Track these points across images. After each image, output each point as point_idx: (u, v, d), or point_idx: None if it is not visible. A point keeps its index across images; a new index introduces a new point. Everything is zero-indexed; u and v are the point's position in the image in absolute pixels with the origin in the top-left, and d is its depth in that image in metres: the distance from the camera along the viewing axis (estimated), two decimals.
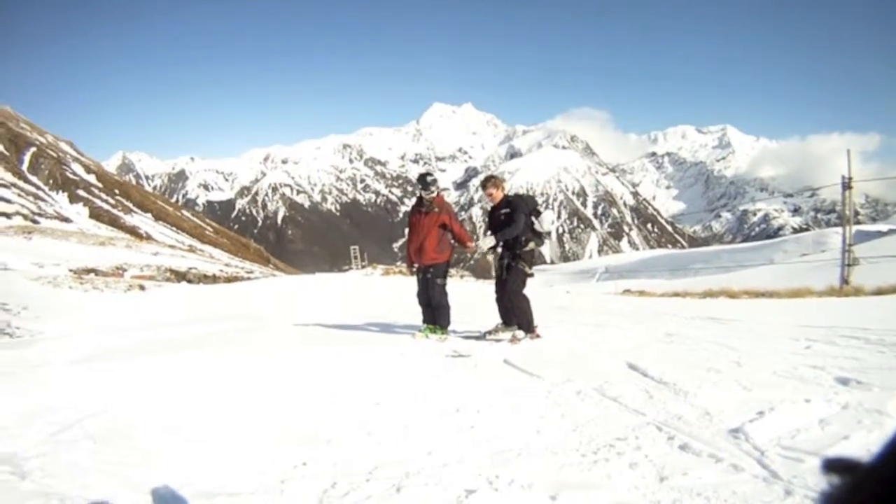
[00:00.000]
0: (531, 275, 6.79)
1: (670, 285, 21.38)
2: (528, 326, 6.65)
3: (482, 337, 7.00)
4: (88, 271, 24.26)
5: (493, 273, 7.25)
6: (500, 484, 2.47)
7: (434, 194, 7.10)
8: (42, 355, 6.38)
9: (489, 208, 7.20)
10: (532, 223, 6.68)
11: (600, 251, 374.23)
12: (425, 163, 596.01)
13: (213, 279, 32.31)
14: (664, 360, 4.67)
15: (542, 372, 4.53)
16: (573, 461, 2.72)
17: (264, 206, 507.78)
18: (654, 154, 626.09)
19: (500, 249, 6.86)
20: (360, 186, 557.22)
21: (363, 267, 37.13)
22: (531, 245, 6.70)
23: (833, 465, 0.62)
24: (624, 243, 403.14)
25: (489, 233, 6.92)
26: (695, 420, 3.16)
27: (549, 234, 6.94)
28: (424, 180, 7.16)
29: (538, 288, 22.74)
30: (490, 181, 6.99)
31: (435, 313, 7.15)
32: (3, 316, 16.88)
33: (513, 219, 6.60)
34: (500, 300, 7.00)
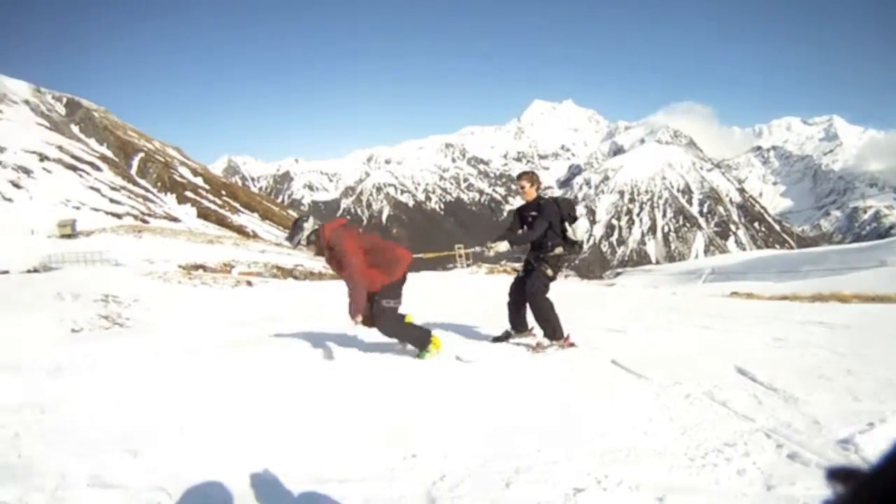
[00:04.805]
0: (553, 278, 6.17)
1: (778, 288, 20.34)
2: (553, 333, 5.99)
3: (494, 341, 6.51)
4: (197, 267, 25.80)
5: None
6: (608, 484, 2.49)
7: (306, 244, 5.66)
8: (156, 344, 6.80)
9: (519, 205, 6.48)
10: (564, 229, 6.14)
11: (706, 251, 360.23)
12: (528, 161, 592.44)
13: (319, 276, 33.42)
14: (773, 366, 4.49)
15: (651, 373, 4.45)
16: (681, 464, 2.70)
17: (369, 206, 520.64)
18: (759, 148, 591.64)
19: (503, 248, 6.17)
20: (463, 185, 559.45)
21: (468, 266, 37.14)
22: (558, 250, 6.14)
23: (836, 474, 0.63)
24: (731, 243, 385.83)
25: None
26: (804, 428, 3.05)
27: (581, 244, 6.26)
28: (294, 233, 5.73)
29: (644, 290, 22.07)
30: (525, 175, 6.27)
31: (409, 342, 5.93)
32: (114, 307, 18.30)
33: (533, 224, 6.05)
34: (511, 304, 6.45)
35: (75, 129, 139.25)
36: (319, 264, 43.16)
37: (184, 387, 4.47)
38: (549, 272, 6.03)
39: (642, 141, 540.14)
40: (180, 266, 25.56)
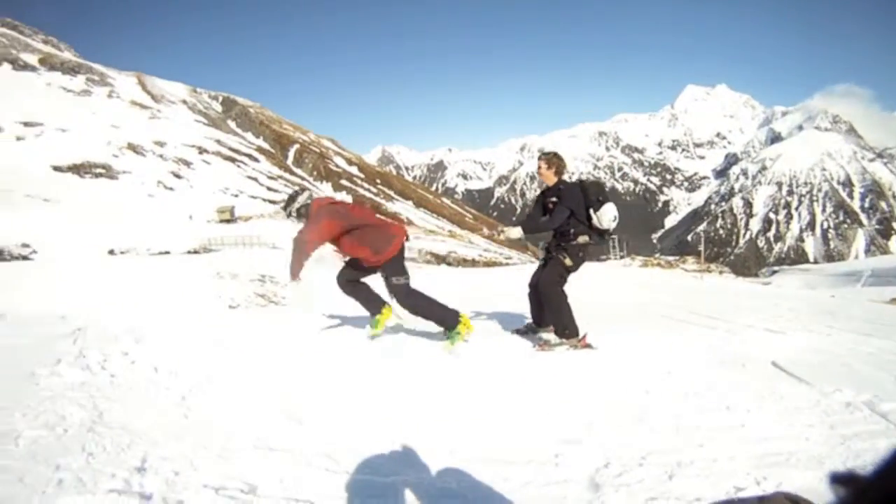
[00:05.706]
0: (573, 269, 5.59)
1: None
2: (563, 330, 5.43)
3: (514, 333, 6.14)
4: None
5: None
6: (767, 486, 2.54)
7: (297, 216, 5.69)
8: (313, 323, 7.00)
9: (541, 190, 5.93)
10: (589, 216, 5.51)
11: (867, 251, 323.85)
12: (683, 149, 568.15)
13: (472, 263, 33.86)
14: None
15: (812, 378, 4.29)
16: None
17: (522, 195, 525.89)
18: None
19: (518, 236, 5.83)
20: (617, 175, 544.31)
21: (621, 257, 36.03)
22: (582, 239, 5.51)
23: (838, 479, 0.66)
24: (893, 242, 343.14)
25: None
26: None
27: (609, 232, 5.63)
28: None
29: (801, 290, 20.62)
30: (544, 156, 5.75)
31: (431, 320, 5.67)
32: (270, 286, 19.88)
33: (553, 212, 5.54)
34: (532, 295, 5.99)
35: (232, 124, 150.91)
36: (474, 252, 43.54)
37: (342, 363, 4.69)
38: (569, 262, 5.55)
39: (800, 128, 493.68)
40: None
